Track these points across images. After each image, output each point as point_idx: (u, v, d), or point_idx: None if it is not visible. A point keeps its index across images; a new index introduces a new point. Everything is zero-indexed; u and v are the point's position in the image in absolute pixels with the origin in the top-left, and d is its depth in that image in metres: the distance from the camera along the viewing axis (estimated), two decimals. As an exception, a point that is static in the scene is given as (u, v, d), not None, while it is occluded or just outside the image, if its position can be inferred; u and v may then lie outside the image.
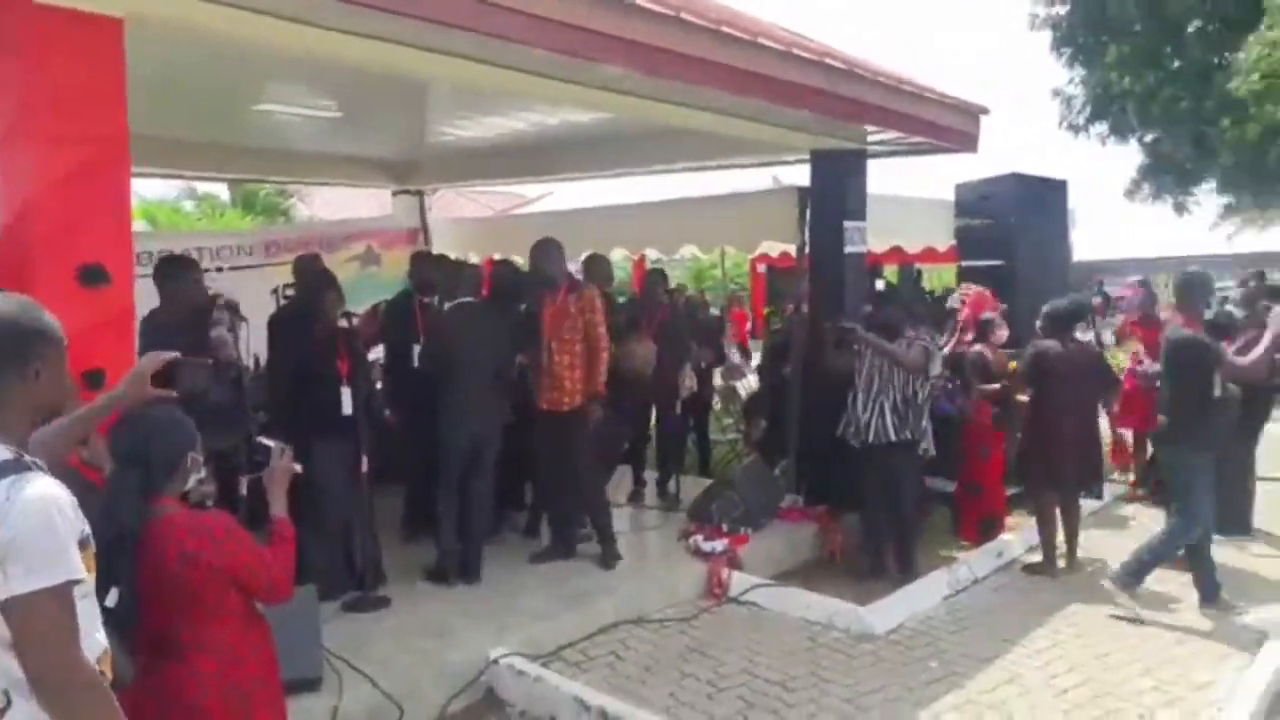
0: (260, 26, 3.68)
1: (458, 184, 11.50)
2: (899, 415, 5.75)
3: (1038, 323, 6.12)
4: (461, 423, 5.33)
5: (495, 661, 4.41)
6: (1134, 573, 5.32)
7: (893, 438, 5.76)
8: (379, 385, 6.19)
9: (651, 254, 9.87)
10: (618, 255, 9.28)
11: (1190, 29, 15.78)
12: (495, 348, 5.50)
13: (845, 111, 5.84)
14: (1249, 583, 5.67)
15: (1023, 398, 6.24)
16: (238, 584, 2.49)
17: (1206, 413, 5.22)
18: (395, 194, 9.75)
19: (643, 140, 7.46)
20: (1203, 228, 18.64)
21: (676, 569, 5.75)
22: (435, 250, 8.43)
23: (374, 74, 4.78)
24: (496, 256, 8.57)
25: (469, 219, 12.16)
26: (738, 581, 5.56)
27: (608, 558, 5.66)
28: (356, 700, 3.96)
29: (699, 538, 5.96)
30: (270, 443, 2.77)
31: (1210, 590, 5.27)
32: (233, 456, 4.43)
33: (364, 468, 4.92)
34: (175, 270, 4.72)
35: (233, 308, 4.79)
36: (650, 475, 7.43)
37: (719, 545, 5.85)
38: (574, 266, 7.02)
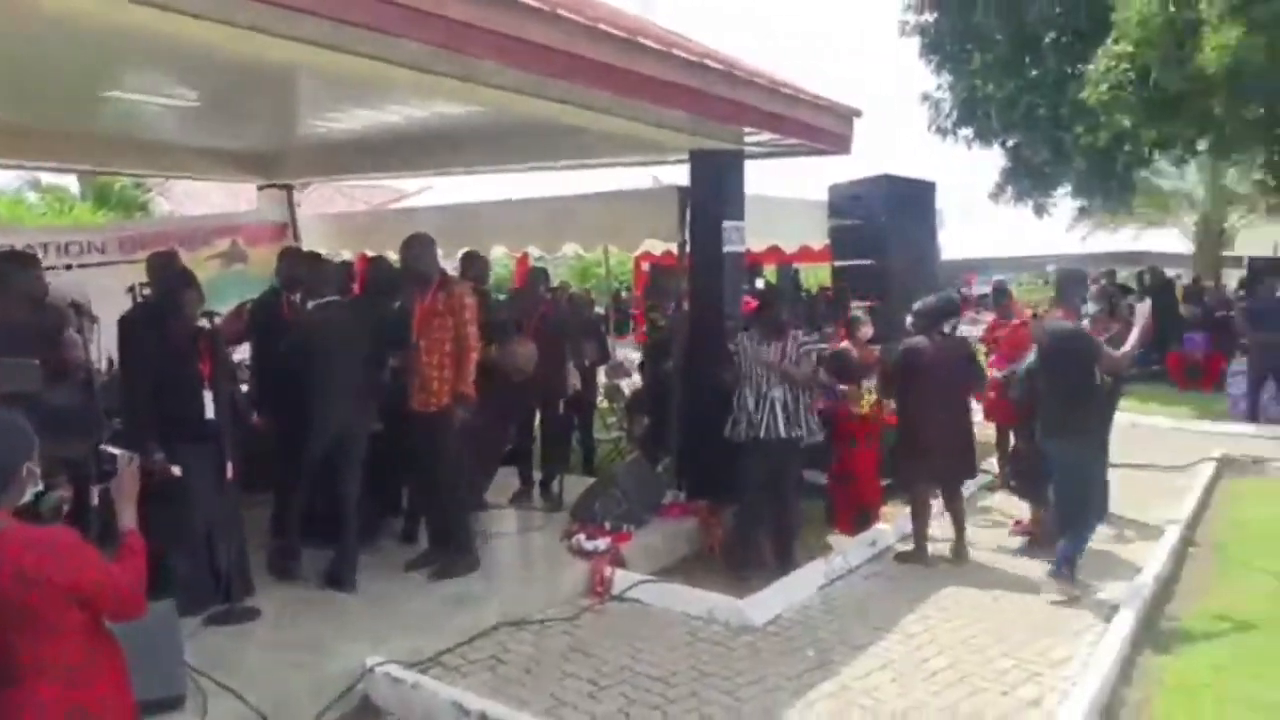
0: (101, 5, 3.47)
1: (328, 178, 11.15)
2: (788, 413, 5.86)
3: (908, 319, 6.32)
4: (324, 422, 5.17)
5: (371, 670, 4.29)
6: (1059, 566, 5.47)
7: (783, 434, 5.86)
8: (245, 387, 5.93)
9: (534, 252, 9.78)
10: (499, 252, 9.16)
11: (1047, 40, 16.59)
12: (360, 347, 5.34)
13: (722, 112, 5.90)
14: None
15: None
16: (83, 601, 2.34)
17: (1088, 405, 5.44)
18: (261, 188, 9.38)
19: (522, 136, 7.36)
20: (1061, 229, 19.67)
21: (559, 569, 5.71)
22: (307, 247, 8.13)
23: (234, 63, 4.57)
24: (369, 253, 8.37)
25: (342, 214, 11.83)
26: (620, 579, 5.55)
27: (446, 567, 5.39)
28: (222, 717, 3.78)
29: (581, 537, 5.94)
30: (116, 451, 2.61)
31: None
32: (84, 465, 4.16)
33: (229, 473, 4.71)
34: (9, 267, 4.41)
35: (80, 307, 4.50)
36: (537, 475, 7.34)
37: (601, 544, 5.84)
38: (453, 265, 6.89)
